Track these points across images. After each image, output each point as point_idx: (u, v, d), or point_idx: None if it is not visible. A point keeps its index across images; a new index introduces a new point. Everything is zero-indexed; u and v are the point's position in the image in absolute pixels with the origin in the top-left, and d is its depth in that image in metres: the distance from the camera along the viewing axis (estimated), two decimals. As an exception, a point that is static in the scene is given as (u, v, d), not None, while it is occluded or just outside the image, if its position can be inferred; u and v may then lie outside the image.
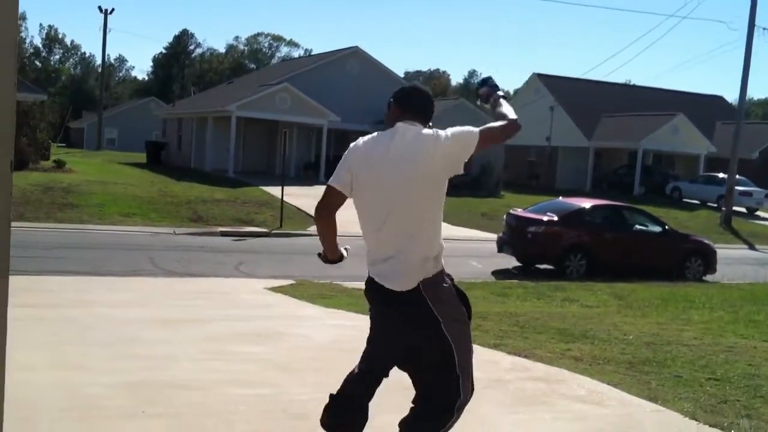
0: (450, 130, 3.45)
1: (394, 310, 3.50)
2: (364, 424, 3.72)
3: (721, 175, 36.16)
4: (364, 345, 3.78)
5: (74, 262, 13.46)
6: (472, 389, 3.67)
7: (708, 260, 16.77)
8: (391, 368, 3.74)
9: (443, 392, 3.52)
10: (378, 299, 3.57)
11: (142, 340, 6.84)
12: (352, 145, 3.63)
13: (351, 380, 3.77)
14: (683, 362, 6.97)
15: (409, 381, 3.66)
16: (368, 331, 3.74)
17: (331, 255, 3.70)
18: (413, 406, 3.64)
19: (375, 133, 3.62)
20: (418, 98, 3.65)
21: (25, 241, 14.89)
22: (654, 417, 5.31)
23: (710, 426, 5.14)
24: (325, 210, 3.57)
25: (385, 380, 3.74)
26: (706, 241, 17.59)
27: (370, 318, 3.74)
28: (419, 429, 3.57)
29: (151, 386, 5.32)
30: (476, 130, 3.46)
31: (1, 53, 2.25)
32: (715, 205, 35.09)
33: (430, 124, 3.64)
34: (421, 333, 3.47)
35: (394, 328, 3.58)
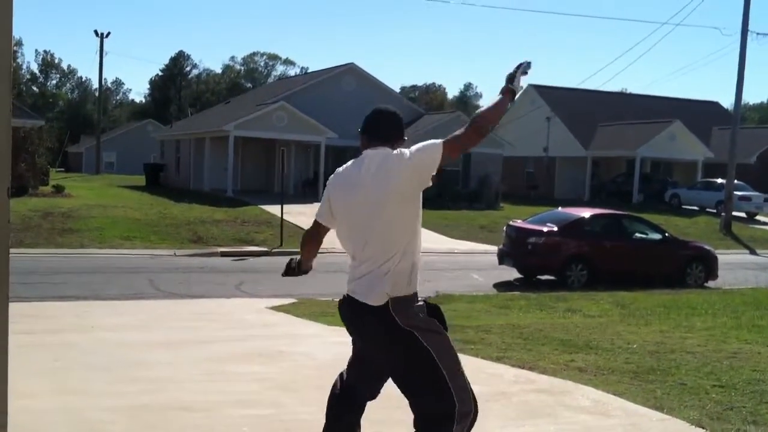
0: (414, 147, 3.55)
1: (369, 329, 3.61)
2: None
3: (719, 180, 36.14)
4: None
5: (75, 287, 13.44)
6: (475, 402, 3.63)
7: (709, 266, 16.75)
8: (376, 389, 3.85)
9: (436, 402, 3.50)
10: (351, 318, 3.71)
11: (143, 363, 6.81)
12: (331, 176, 3.87)
13: (334, 403, 3.92)
14: (688, 370, 6.94)
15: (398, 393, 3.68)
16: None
17: (305, 263, 4.06)
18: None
19: (350, 162, 3.80)
20: (381, 123, 3.80)
21: (26, 267, 14.88)
22: (660, 426, 5.29)
23: (716, 433, 5.11)
24: (312, 236, 3.99)
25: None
26: (707, 247, 17.59)
27: (352, 340, 3.86)
28: None
29: (153, 409, 5.29)
30: (439, 142, 3.51)
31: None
32: (715, 210, 35.08)
33: (406, 138, 3.78)
34: (399, 348, 3.53)
35: (372, 345, 3.68)
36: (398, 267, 3.52)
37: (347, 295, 3.68)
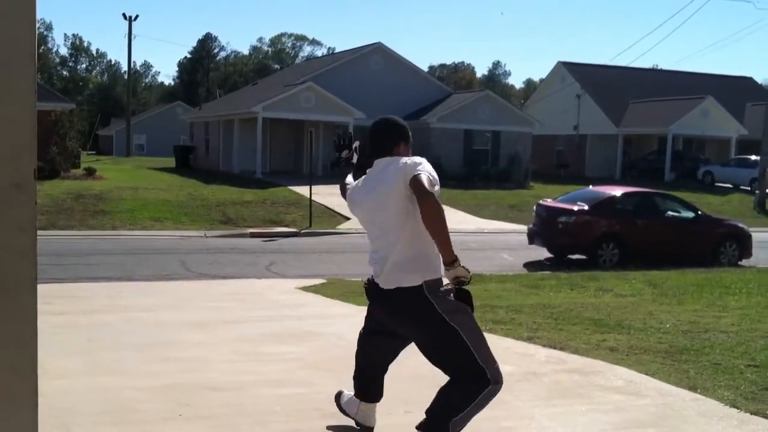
0: (410, 165, 3.77)
1: (397, 308, 3.92)
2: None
3: (753, 157, 35.64)
4: None
5: (107, 268, 13.60)
6: (498, 373, 3.85)
7: (743, 244, 16.53)
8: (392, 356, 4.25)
9: (467, 376, 3.76)
10: (378, 298, 4.04)
11: (176, 343, 6.87)
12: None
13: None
14: (722, 349, 6.85)
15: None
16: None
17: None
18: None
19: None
20: (378, 139, 4.11)
21: (59, 249, 15.08)
22: (693, 406, 5.23)
23: (751, 413, 5.05)
24: None
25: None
26: (741, 225, 17.33)
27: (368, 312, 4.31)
28: (451, 406, 3.77)
29: (186, 389, 5.34)
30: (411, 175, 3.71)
31: (20, 61, 2.26)
32: (749, 188, 34.60)
33: (409, 141, 4.13)
34: (425, 328, 3.84)
35: (396, 322, 4.02)
36: (402, 255, 3.82)
37: (372, 279, 4.01)
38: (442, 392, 3.82)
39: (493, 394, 3.79)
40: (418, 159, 3.80)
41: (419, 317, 3.82)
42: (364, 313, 8.64)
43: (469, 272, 3.67)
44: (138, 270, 13.45)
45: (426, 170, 3.70)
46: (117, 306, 8.94)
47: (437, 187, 3.70)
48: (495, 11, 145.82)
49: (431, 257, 3.81)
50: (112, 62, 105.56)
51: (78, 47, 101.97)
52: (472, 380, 3.74)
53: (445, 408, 3.76)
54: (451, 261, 3.61)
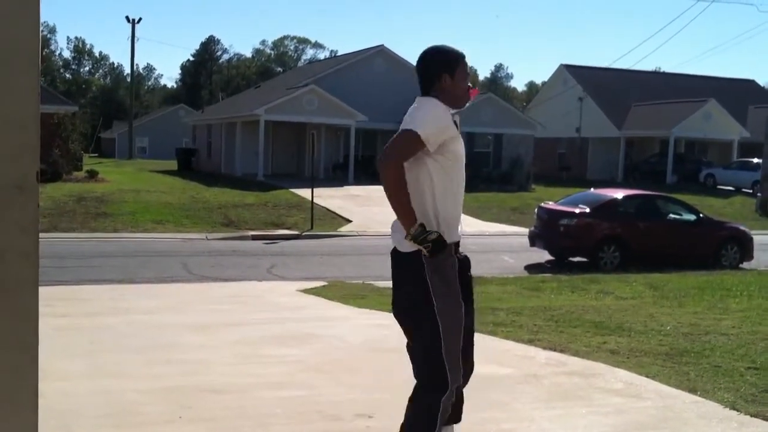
0: (412, 117, 3.46)
1: (397, 273, 3.59)
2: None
3: (755, 160, 35.60)
4: (397, 345, 3.82)
5: (109, 271, 13.62)
6: (468, 372, 3.69)
7: (744, 247, 16.53)
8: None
9: (427, 368, 3.52)
10: (392, 263, 3.66)
11: (177, 345, 6.88)
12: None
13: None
14: (722, 352, 6.85)
15: None
16: (400, 330, 3.77)
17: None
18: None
19: None
20: (418, 78, 3.67)
21: (61, 251, 15.10)
22: (693, 408, 5.23)
23: (751, 416, 5.05)
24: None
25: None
26: (742, 228, 17.33)
27: None
28: (412, 410, 3.58)
29: (187, 391, 5.35)
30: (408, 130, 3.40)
31: (24, 64, 2.27)
32: (751, 191, 34.56)
33: (448, 74, 3.58)
34: (411, 298, 3.50)
35: (395, 290, 3.65)
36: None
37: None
38: (409, 410, 3.59)
39: (451, 398, 3.55)
40: (424, 104, 3.48)
41: (409, 289, 3.50)
42: (365, 316, 8.64)
43: (429, 243, 3.33)
44: (140, 272, 13.47)
45: (419, 125, 3.36)
46: (119, 308, 8.96)
47: (436, 143, 3.38)
48: (497, 12, 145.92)
49: (431, 219, 3.45)
50: (115, 65, 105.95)
51: (81, 50, 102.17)
52: (431, 378, 3.49)
53: (417, 422, 3.55)
54: (405, 234, 3.37)
